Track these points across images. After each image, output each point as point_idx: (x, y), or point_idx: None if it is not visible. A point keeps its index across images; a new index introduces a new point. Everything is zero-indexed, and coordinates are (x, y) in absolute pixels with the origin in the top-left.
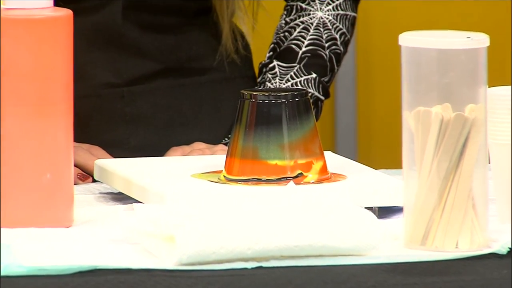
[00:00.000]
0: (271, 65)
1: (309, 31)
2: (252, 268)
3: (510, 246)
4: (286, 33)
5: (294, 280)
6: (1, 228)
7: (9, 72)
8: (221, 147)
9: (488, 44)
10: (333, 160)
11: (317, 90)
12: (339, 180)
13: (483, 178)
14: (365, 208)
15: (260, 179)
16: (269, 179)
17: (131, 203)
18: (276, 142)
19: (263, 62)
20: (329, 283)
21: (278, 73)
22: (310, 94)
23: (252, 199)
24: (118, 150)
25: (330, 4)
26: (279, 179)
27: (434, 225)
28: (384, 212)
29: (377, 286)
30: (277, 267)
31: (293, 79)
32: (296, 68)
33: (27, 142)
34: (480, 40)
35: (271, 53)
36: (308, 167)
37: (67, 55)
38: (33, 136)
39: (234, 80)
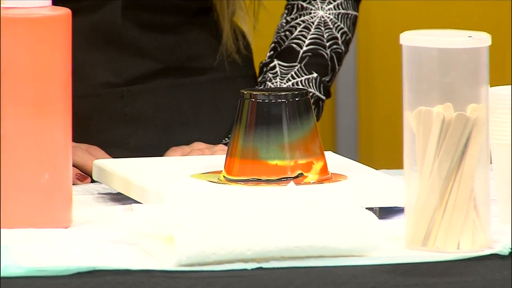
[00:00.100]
0: (271, 65)
1: (310, 30)
2: (252, 269)
3: (511, 247)
4: (287, 32)
5: (294, 281)
6: (0, 229)
7: (7, 71)
8: (221, 147)
9: (489, 43)
10: (334, 160)
11: (318, 90)
12: (339, 181)
13: (485, 178)
14: (366, 208)
15: (260, 179)
16: (269, 180)
17: (130, 204)
18: (276, 142)
19: (264, 61)
20: (329, 284)
21: (278, 72)
22: (311, 94)
23: (252, 199)
24: (117, 150)
25: (331, 3)
26: (279, 180)
27: (435, 226)
28: (385, 212)
29: (378, 287)
30: (277, 268)
31: (294, 78)
32: (297, 67)
33: (25, 142)
34: (481, 39)
35: (271, 52)
36: (308, 167)
37: (66, 54)
38: (31, 136)
39: (235, 79)
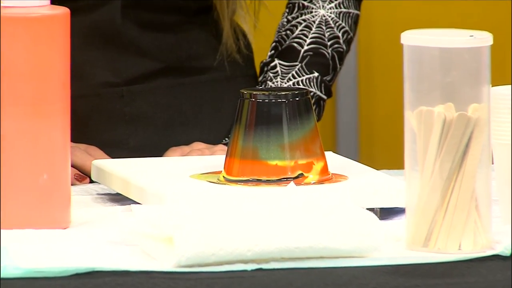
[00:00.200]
0: (272, 64)
1: (311, 30)
2: (252, 270)
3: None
4: (288, 32)
5: (295, 282)
6: None
7: (4, 70)
8: (221, 147)
9: (491, 42)
10: (334, 161)
11: (319, 89)
12: (340, 181)
13: (487, 178)
14: (367, 209)
15: (260, 179)
16: (269, 180)
17: (129, 204)
18: (276, 142)
19: (265, 61)
20: (330, 285)
21: (279, 72)
22: (312, 93)
23: (252, 200)
24: (117, 150)
25: (332, 2)
26: (280, 180)
27: (436, 227)
28: (386, 213)
29: None
30: (277, 269)
31: (294, 78)
32: (297, 67)
33: (23, 142)
34: (483, 39)
35: (272, 51)
36: (308, 167)
37: (64, 54)
38: (29, 136)
39: (235, 79)
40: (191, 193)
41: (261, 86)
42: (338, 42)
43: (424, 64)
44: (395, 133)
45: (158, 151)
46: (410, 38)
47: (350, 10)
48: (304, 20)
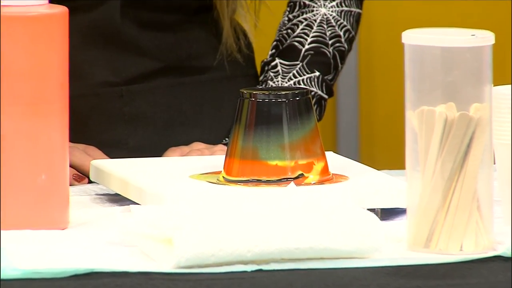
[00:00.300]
0: (273, 63)
1: (312, 28)
2: (252, 271)
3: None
4: (289, 30)
5: (295, 283)
6: None
7: (2, 69)
8: (220, 147)
9: (493, 42)
10: (335, 161)
11: (320, 89)
12: (340, 181)
13: (488, 179)
14: (368, 209)
15: (260, 180)
16: (269, 180)
17: (128, 205)
18: (277, 142)
19: (265, 60)
20: (330, 287)
21: (280, 71)
22: (313, 93)
23: (252, 200)
24: (116, 150)
25: (334, 1)
26: (280, 180)
27: (438, 227)
28: (387, 213)
29: None
30: (278, 270)
31: (295, 77)
32: (298, 66)
33: (21, 142)
34: (485, 38)
35: (273, 50)
36: (309, 167)
37: (63, 53)
38: (27, 136)
39: (236, 79)
40: (191, 194)
41: (261, 85)
42: (339, 41)
43: (426, 63)
44: (396, 133)
45: (158, 151)
46: (411, 37)
47: (352, 9)
48: (305, 19)
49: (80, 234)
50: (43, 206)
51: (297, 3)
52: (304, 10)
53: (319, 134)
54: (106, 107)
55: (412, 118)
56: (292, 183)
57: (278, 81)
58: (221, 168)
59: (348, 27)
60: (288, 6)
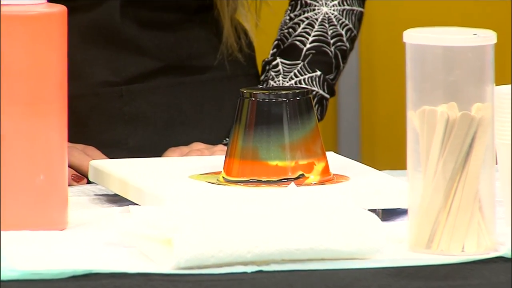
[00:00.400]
0: (274, 63)
1: (313, 27)
2: (252, 272)
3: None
4: (290, 29)
5: (295, 284)
6: None
7: (1, 69)
8: (220, 147)
9: (495, 41)
10: (336, 161)
11: (321, 88)
12: (341, 182)
13: (490, 179)
14: (369, 210)
15: (260, 180)
16: (270, 181)
17: (127, 205)
18: (277, 142)
19: (266, 59)
20: None
21: (281, 70)
22: (314, 92)
23: (252, 201)
24: (116, 150)
25: None
26: (280, 181)
27: (439, 228)
28: (388, 214)
29: None
30: (278, 271)
31: (297, 77)
32: (300, 65)
33: (20, 142)
34: (487, 37)
35: (274, 50)
36: (309, 168)
37: (61, 53)
38: (26, 136)
39: (237, 78)
40: (190, 194)
41: (263, 85)
42: (341, 40)
43: (427, 63)
44: (397, 133)
45: (158, 151)
46: (413, 36)
47: (354, 8)
48: (307, 18)
49: (79, 234)
50: (41, 206)
51: (299, 2)
52: (305, 9)
53: (319, 134)
54: (106, 107)
55: (413, 118)
56: (292, 184)
57: (279, 81)
58: (221, 169)
59: (350, 26)
60: (289, 4)
